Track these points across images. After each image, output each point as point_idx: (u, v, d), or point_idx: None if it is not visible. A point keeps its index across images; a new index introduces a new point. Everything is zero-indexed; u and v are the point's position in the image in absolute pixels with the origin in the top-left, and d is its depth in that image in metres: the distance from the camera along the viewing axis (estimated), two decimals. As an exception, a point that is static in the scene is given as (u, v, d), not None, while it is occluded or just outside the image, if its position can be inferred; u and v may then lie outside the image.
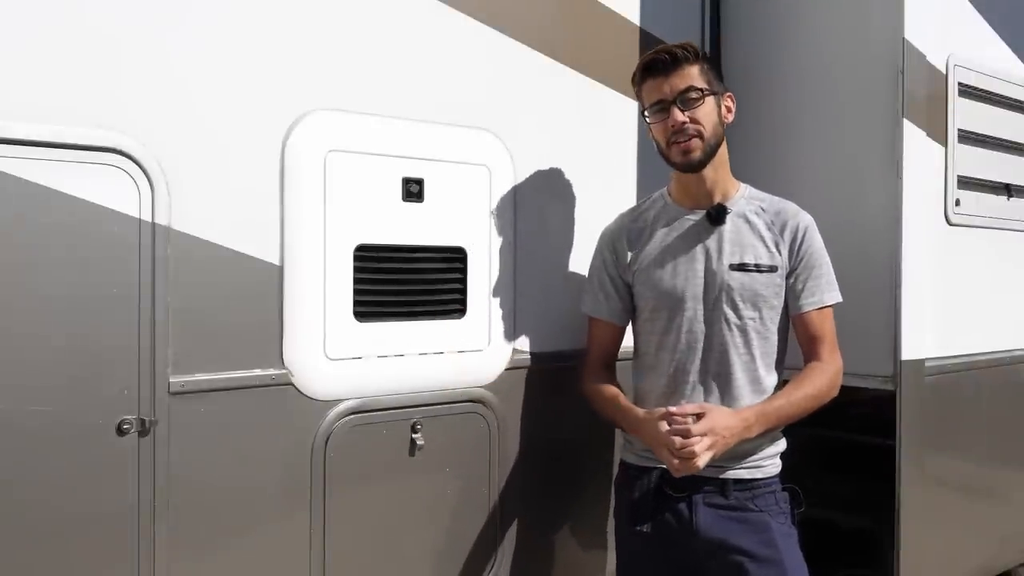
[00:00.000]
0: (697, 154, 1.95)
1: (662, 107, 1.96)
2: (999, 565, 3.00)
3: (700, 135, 1.94)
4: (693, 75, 1.94)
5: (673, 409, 1.84)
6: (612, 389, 2.06)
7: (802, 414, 1.97)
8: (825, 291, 2.01)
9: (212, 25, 1.77)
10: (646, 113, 2.02)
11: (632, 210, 2.16)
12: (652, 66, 1.97)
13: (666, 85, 1.94)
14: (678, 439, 1.79)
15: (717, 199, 2.01)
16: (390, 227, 1.99)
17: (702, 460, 1.79)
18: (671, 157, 1.99)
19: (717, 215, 1.99)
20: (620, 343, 2.16)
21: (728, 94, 2.03)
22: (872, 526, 2.69)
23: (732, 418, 1.86)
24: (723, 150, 2.02)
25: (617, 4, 2.41)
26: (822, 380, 1.97)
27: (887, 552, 2.45)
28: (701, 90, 1.94)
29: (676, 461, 1.80)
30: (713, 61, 2.01)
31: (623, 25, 2.43)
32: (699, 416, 1.82)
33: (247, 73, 1.81)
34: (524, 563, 2.22)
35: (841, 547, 2.81)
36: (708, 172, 1.99)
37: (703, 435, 1.79)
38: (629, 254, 2.08)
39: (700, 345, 1.97)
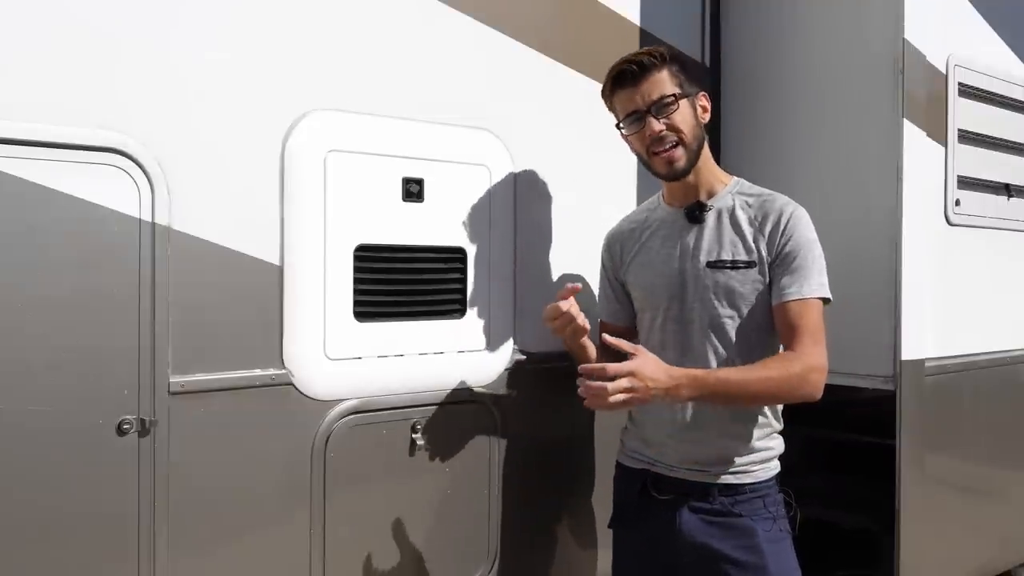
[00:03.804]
0: (681, 163, 1.91)
1: (637, 117, 1.90)
2: (999, 565, 3.00)
3: (681, 142, 1.90)
4: (664, 81, 1.89)
5: (609, 339, 1.77)
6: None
7: (757, 397, 1.84)
8: (805, 283, 1.85)
9: (212, 25, 1.76)
10: (621, 125, 1.96)
11: (631, 213, 2.18)
12: (620, 77, 1.91)
13: (637, 95, 1.89)
14: (596, 383, 1.67)
15: (703, 196, 1.98)
16: (390, 227, 1.99)
17: (613, 399, 1.67)
18: (654, 167, 1.95)
19: (693, 213, 1.97)
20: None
21: (702, 93, 1.98)
22: (872, 526, 2.69)
23: (660, 372, 1.73)
24: (706, 148, 1.99)
25: (617, 4, 2.41)
26: (790, 368, 1.80)
27: (887, 552, 2.45)
28: (674, 95, 1.89)
29: (584, 392, 1.69)
30: (682, 61, 1.96)
31: (623, 25, 2.43)
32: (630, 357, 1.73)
33: (247, 73, 1.81)
34: (524, 563, 2.22)
35: (841, 547, 2.81)
36: (692, 173, 1.96)
37: (625, 375, 1.68)
38: (622, 254, 2.10)
39: (678, 344, 1.94)
